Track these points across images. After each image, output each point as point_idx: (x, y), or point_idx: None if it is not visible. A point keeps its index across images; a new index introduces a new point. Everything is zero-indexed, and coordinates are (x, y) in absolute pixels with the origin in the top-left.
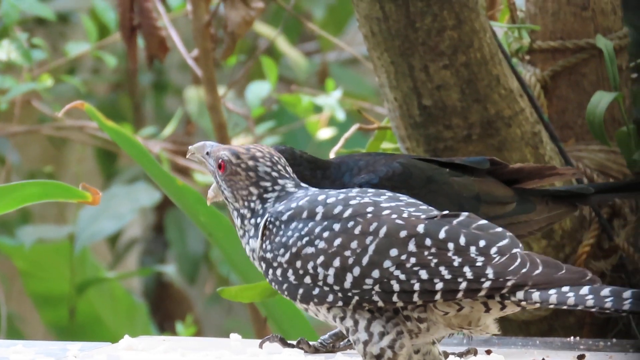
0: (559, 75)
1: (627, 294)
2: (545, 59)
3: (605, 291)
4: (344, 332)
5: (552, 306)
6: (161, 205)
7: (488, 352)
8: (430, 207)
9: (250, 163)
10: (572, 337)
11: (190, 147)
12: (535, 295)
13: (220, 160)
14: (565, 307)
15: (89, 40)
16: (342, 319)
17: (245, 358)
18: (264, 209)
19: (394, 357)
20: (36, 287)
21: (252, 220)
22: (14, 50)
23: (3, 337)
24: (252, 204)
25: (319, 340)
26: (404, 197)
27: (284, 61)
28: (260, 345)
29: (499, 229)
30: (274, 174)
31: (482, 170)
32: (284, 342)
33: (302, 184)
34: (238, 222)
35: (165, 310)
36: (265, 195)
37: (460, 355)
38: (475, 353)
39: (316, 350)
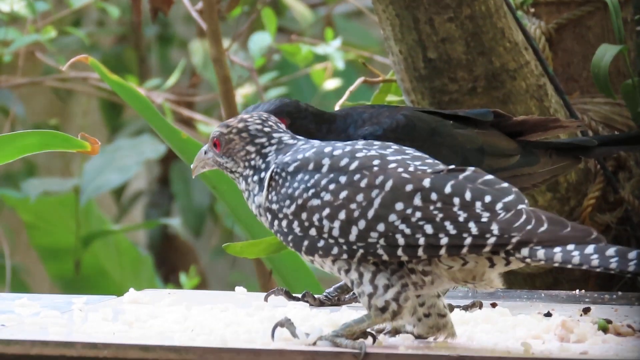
0: (563, 28)
1: (632, 254)
2: (550, 11)
3: (611, 251)
4: (349, 284)
5: (556, 264)
6: (166, 158)
7: (493, 305)
8: (436, 161)
9: (240, 125)
10: (577, 290)
11: (192, 165)
12: (540, 252)
13: (213, 140)
14: (569, 266)
15: None
16: (347, 271)
17: (250, 311)
18: (266, 163)
19: (398, 310)
20: (41, 239)
21: (255, 177)
22: (18, 2)
23: (8, 290)
24: (252, 162)
25: (324, 293)
26: (410, 150)
27: (289, 14)
28: (266, 299)
29: (505, 185)
30: (266, 129)
31: (485, 123)
32: (289, 295)
33: (299, 137)
34: (242, 185)
35: (170, 263)
36: (263, 151)
37: (466, 308)
38: (481, 306)
39: (321, 304)
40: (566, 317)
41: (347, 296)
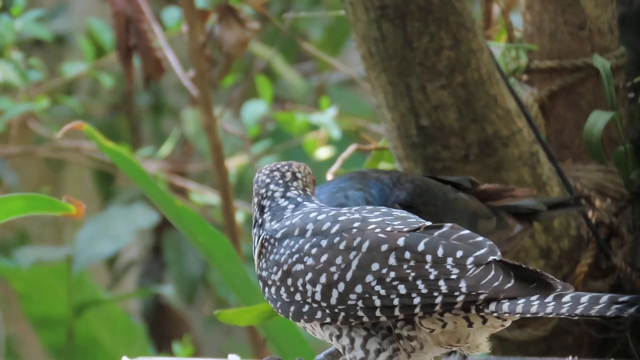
0: (556, 95)
1: (604, 298)
2: (543, 78)
3: (567, 297)
4: (340, 350)
5: (518, 316)
6: (159, 227)
7: None
8: (420, 220)
9: (255, 176)
10: (570, 357)
11: None
12: (505, 306)
13: None
14: (529, 315)
15: (85, 61)
16: (338, 337)
17: None
18: (262, 220)
19: None
20: (34, 309)
21: (255, 230)
22: (10, 71)
23: None
24: (255, 214)
25: None
26: (397, 212)
27: (281, 82)
28: None
29: (480, 238)
30: (267, 180)
31: (465, 188)
32: None
33: (292, 196)
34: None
35: (163, 332)
36: (262, 203)
37: None
38: None
39: None
40: None
41: None
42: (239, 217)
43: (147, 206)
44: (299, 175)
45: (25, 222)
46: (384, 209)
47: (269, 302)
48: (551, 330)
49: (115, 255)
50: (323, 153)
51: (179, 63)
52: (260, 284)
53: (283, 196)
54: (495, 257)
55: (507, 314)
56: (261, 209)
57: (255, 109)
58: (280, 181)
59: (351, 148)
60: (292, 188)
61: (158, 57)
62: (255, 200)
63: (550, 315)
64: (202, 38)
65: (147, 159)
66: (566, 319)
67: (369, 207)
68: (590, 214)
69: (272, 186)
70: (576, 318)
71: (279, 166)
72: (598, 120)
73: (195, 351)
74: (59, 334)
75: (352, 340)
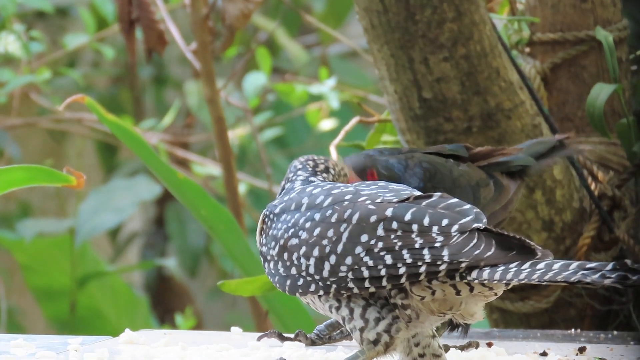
0: (558, 68)
1: (556, 265)
2: (545, 51)
3: (541, 264)
4: (340, 321)
5: (495, 282)
6: (162, 199)
7: (489, 344)
8: (412, 190)
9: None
10: (573, 330)
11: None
12: (484, 273)
13: None
14: (505, 282)
15: (87, 33)
16: (338, 308)
17: (246, 351)
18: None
19: (390, 341)
20: (37, 281)
21: None
22: (13, 43)
23: (4, 331)
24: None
25: (315, 332)
26: (393, 185)
27: (283, 54)
28: (259, 340)
29: (467, 206)
30: (299, 166)
31: (463, 158)
32: (281, 337)
33: (298, 180)
34: None
35: (166, 304)
36: (284, 185)
37: (462, 348)
38: (477, 346)
39: (313, 343)
40: (562, 357)
41: (336, 334)
42: (241, 188)
43: (150, 178)
44: (332, 171)
45: (28, 194)
46: (381, 183)
47: (269, 277)
48: (554, 303)
49: (117, 227)
50: (326, 124)
51: (182, 35)
52: (262, 259)
53: (305, 180)
54: (480, 225)
55: (485, 281)
56: (281, 190)
57: (256, 81)
58: (310, 169)
59: (354, 120)
60: (319, 175)
61: (160, 29)
62: (282, 183)
63: (523, 282)
64: (204, 10)
65: (149, 131)
66: (569, 289)
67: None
68: (593, 185)
69: (300, 172)
70: (545, 284)
71: (315, 158)
72: (601, 92)
73: (197, 323)
74: (61, 305)
75: (351, 311)
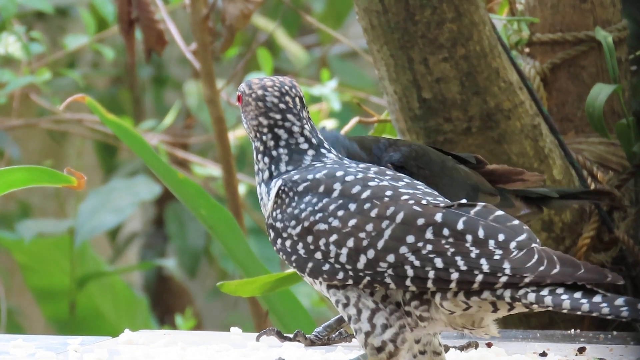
0: (558, 68)
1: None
2: (545, 51)
3: (620, 301)
4: (345, 318)
5: (565, 311)
6: (161, 199)
7: (489, 345)
8: (445, 199)
9: (259, 92)
10: (572, 330)
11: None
12: (548, 299)
13: (238, 93)
14: (579, 313)
15: (87, 33)
16: (345, 305)
17: (246, 352)
18: (277, 154)
19: (395, 352)
20: (36, 281)
21: (266, 160)
22: (13, 44)
23: (3, 332)
24: (263, 137)
25: (314, 333)
26: (420, 185)
27: (283, 55)
28: (257, 339)
29: (516, 222)
30: (282, 105)
31: (470, 163)
32: (280, 336)
33: (311, 136)
34: (254, 156)
35: (165, 304)
36: (276, 130)
37: (461, 348)
38: (476, 346)
39: (312, 343)
40: (562, 357)
41: (335, 335)
42: (241, 189)
43: (150, 178)
44: (303, 100)
45: (27, 194)
46: (407, 179)
47: (281, 254)
48: None
49: (117, 227)
50: (326, 125)
51: (182, 35)
52: (272, 233)
53: (302, 134)
54: (536, 245)
55: (550, 308)
56: (276, 138)
57: None
58: (295, 110)
59: (353, 120)
60: (305, 121)
61: (160, 29)
62: (265, 122)
63: (608, 317)
64: (204, 10)
65: (150, 132)
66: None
67: (390, 173)
68: (592, 186)
69: (289, 116)
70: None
71: (287, 88)
72: (600, 92)
73: (197, 324)
74: (61, 306)
75: (359, 312)
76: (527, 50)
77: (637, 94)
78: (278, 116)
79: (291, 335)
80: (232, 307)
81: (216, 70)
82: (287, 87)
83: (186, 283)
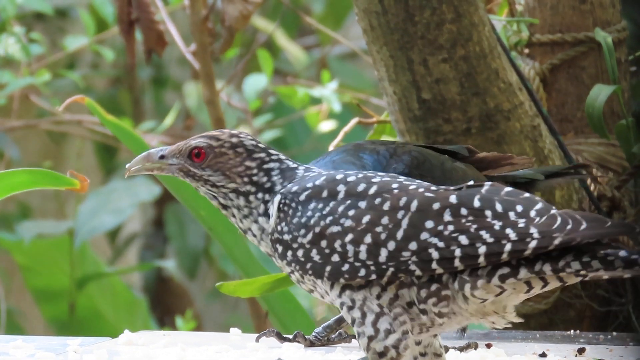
0: (557, 69)
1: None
2: (544, 52)
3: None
4: (349, 322)
5: (612, 274)
6: (161, 200)
7: (488, 345)
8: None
9: (234, 140)
10: (572, 331)
11: (128, 165)
12: (595, 262)
13: (195, 150)
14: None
15: (87, 34)
16: (350, 308)
17: (245, 352)
18: (271, 183)
19: (397, 358)
20: (36, 282)
21: (260, 195)
22: (12, 45)
23: (3, 332)
24: (254, 177)
25: (313, 334)
26: (418, 180)
27: (283, 55)
28: (257, 340)
29: (527, 194)
30: (261, 145)
31: (462, 157)
32: (280, 337)
33: (292, 160)
34: (241, 201)
35: (165, 305)
36: (265, 166)
37: (461, 349)
38: (476, 347)
39: (312, 344)
40: (561, 358)
41: (334, 336)
42: None
43: (149, 179)
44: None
45: (27, 195)
46: (402, 177)
47: (293, 265)
48: (553, 304)
49: (117, 228)
50: (325, 126)
51: (181, 36)
52: (279, 247)
53: (287, 159)
54: (555, 210)
55: (601, 270)
56: (267, 172)
57: (257, 83)
58: (262, 144)
59: (353, 121)
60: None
61: (160, 30)
62: (253, 164)
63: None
64: (204, 11)
65: (149, 133)
66: (569, 290)
67: (383, 174)
68: (592, 187)
69: (270, 150)
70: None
71: (248, 135)
72: (600, 93)
73: (197, 325)
74: (61, 307)
75: (363, 315)
76: (526, 51)
77: (636, 95)
78: (262, 154)
79: (291, 336)
80: (231, 308)
81: (216, 71)
82: (250, 134)
83: (186, 284)
